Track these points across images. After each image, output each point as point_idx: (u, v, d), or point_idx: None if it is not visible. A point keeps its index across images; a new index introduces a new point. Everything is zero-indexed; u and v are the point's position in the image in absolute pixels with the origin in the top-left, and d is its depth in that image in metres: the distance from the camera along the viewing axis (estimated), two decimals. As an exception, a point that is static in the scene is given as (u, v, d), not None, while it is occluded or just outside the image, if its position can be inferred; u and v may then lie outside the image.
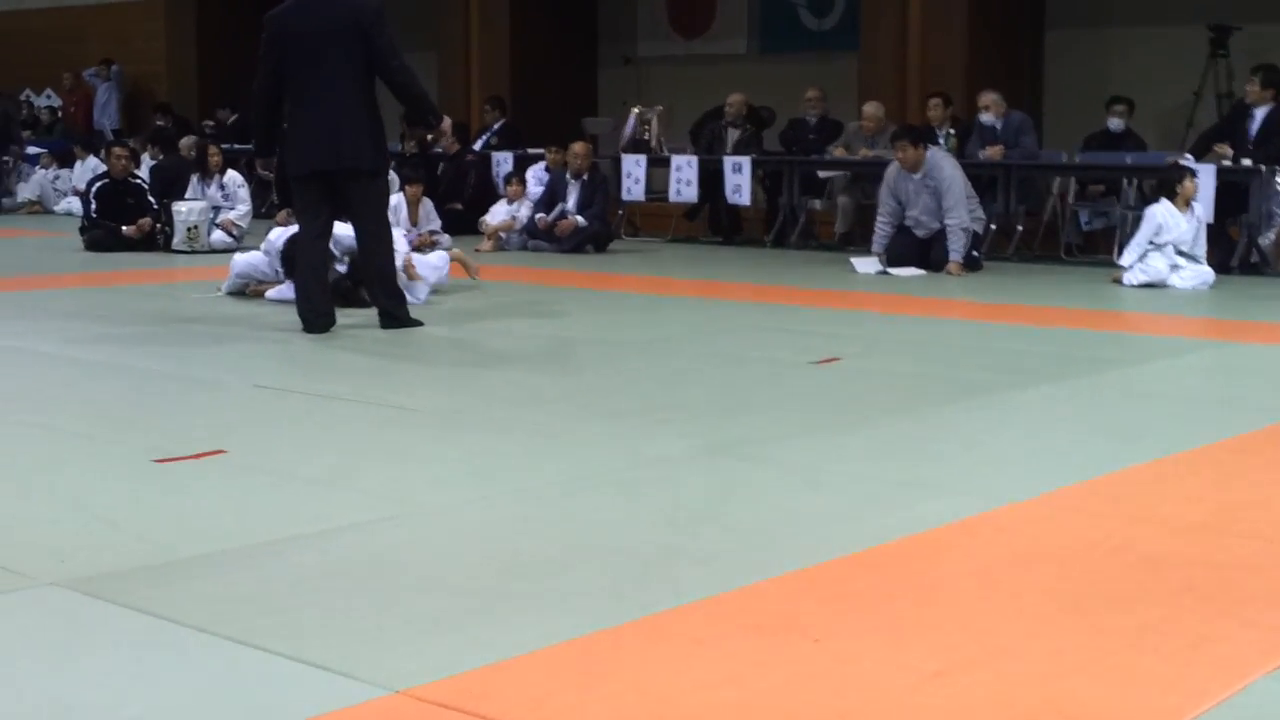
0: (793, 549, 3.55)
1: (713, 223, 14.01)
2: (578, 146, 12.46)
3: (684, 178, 13.06)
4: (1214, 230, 10.18)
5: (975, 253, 10.77)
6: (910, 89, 13.63)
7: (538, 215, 12.37)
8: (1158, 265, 9.65)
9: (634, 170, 13.34)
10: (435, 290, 8.71)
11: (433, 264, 8.85)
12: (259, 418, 5.30)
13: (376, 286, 7.55)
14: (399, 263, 8.26)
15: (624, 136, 13.86)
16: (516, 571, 3.36)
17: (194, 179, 12.58)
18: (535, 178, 13.29)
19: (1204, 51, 12.54)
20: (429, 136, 13.39)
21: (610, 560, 3.45)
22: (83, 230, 12.26)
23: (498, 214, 12.74)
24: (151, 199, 12.32)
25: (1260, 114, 10.73)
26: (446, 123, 8.14)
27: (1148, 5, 13.68)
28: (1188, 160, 10.36)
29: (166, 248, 11.92)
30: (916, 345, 7.23)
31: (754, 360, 6.66)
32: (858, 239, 12.39)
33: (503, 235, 12.46)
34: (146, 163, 14.26)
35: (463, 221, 12.82)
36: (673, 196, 13.33)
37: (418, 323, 7.50)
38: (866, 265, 10.72)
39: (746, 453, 4.64)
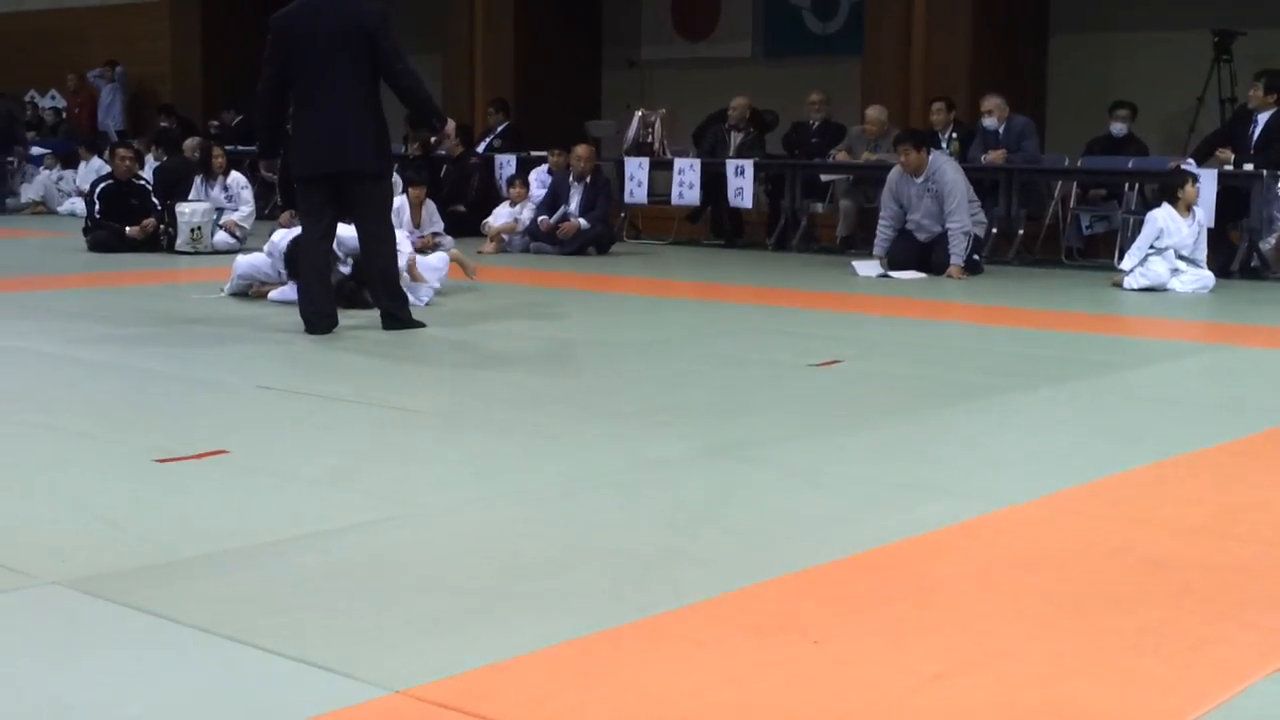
0: (793, 551, 3.55)
1: (715, 225, 14.02)
2: (580, 149, 12.47)
3: (686, 180, 13.07)
4: (1215, 235, 10.18)
5: (976, 256, 10.78)
6: (913, 93, 13.65)
7: (540, 218, 12.38)
8: (1158, 269, 9.66)
9: (636, 173, 13.35)
10: (438, 292, 8.72)
11: (432, 265, 8.86)
12: (261, 418, 5.30)
13: (379, 288, 7.56)
14: (403, 263, 8.27)
15: (627, 139, 13.87)
16: (517, 572, 3.37)
17: (197, 180, 12.59)
18: (538, 180, 13.30)
19: (1207, 56, 12.55)
20: (432, 139, 13.39)
21: (610, 561, 3.45)
22: (86, 231, 12.27)
23: (500, 216, 12.75)
24: (155, 200, 12.33)
25: (1262, 119, 10.73)
26: (450, 125, 8.15)
27: (1151, 10, 13.69)
28: (1189, 165, 10.37)
29: (169, 249, 11.94)
30: (917, 348, 7.23)
31: (754, 362, 6.67)
32: (859, 242, 12.40)
33: (505, 237, 12.47)
34: (150, 164, 14.28)
35: (465, 224, 12.83)
36: (675, 199, 13.34)
37: (420, 324, 7.51)
38: (868, 268, 10.73)
39: (747, 454, 4.65)
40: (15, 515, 3.84)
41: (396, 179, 9.71)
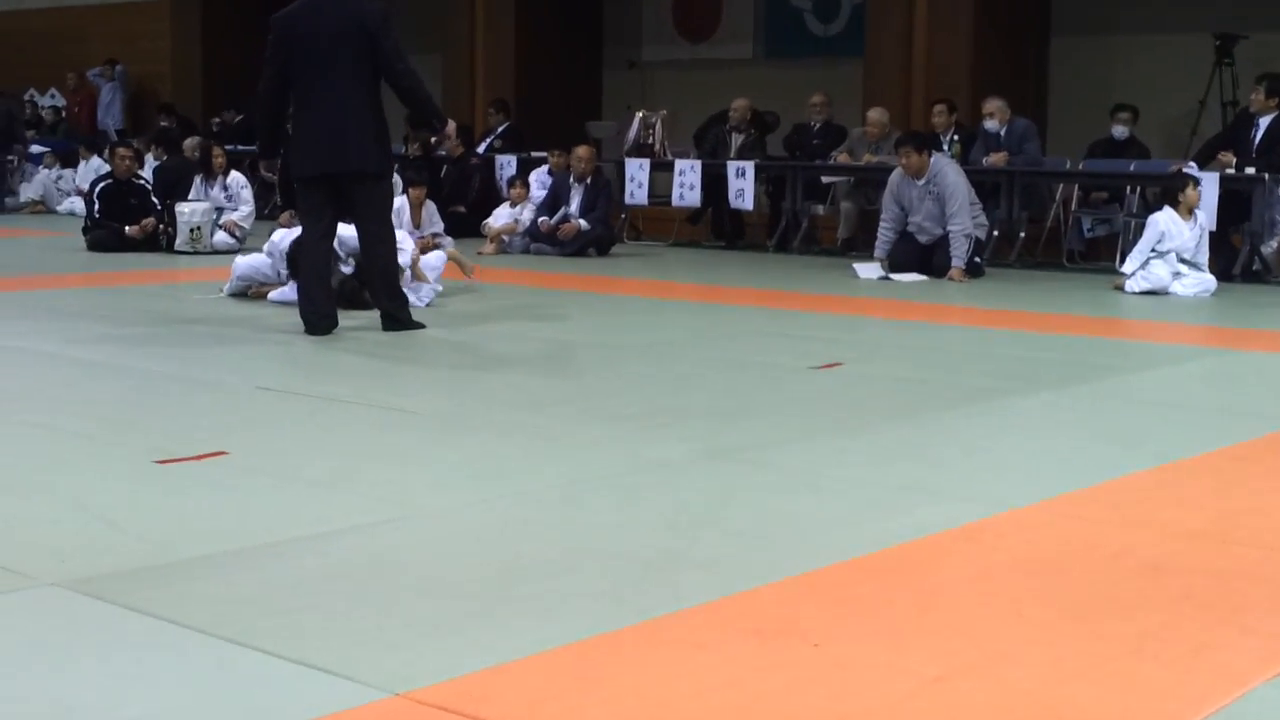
0: (793, 553, 3.55)
1: (715, 227, 14.02)
2: (581, 150, 12.47)
3: (687, 182, 13.07)
4: (1216, 238, 10.19)
5: (977, 259, 10.77)
6: (914, 95, 13.65)
7: (540, 218, 12.37)
8: (1160, 273, 9.66)
9: (637, 174, 13.35)
10: (438, 294, 8.72)
11: (430, 264, 8.86)
12: (260, 419, 5.30)
13: (379, 289, 7.55)
14: (406, 261, 8.28)
15: (627, 140, 13.87)
16: (517, 574, 3.36)
17: (197, 180, 12.59)
18: (538, 181, 13.30)
19: (1209, 60, 12.55)
20: (433, 139, 13.39)
21: (610, 564, 3.45)
22: (85, 230, 12.27)
23: (500, 217, 12.75)
24: (155, 200, 12.33)
25: (1264, 123, 10.73)
26: (451, 126, 8.15)
27: (1153, 13, 13.69)
28: (1191, 168, 10.37)
29: (169, 248, 11.94)
30: (918, 351, 7.23)
31: (755, 365, 6.67)
32: (860, 244, 12.39)
33: (505, 238, 12.46)
34: (150, 163, 14.28)
35: (466, 224, 12.83)
36: (675, 201, 13.33)
37: (419, 325, 7.50)
38: (869, 271, 10.72)
39: (747, 457, 4.65)
40: (15, 516, 3.84)
41: (397, 179, 9.71)
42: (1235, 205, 10.46)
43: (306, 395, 5.73)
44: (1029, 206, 12.07)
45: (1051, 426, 5.39)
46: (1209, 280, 9.71)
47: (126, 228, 11.98)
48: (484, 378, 6.39)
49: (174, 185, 12.66)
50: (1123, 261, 10.27)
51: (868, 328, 8.30)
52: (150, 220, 12.09)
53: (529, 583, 3.29)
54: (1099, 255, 12.04)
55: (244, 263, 8.93)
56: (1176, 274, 9.67)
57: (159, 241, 12.04)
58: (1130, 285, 9.72)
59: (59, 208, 16.79)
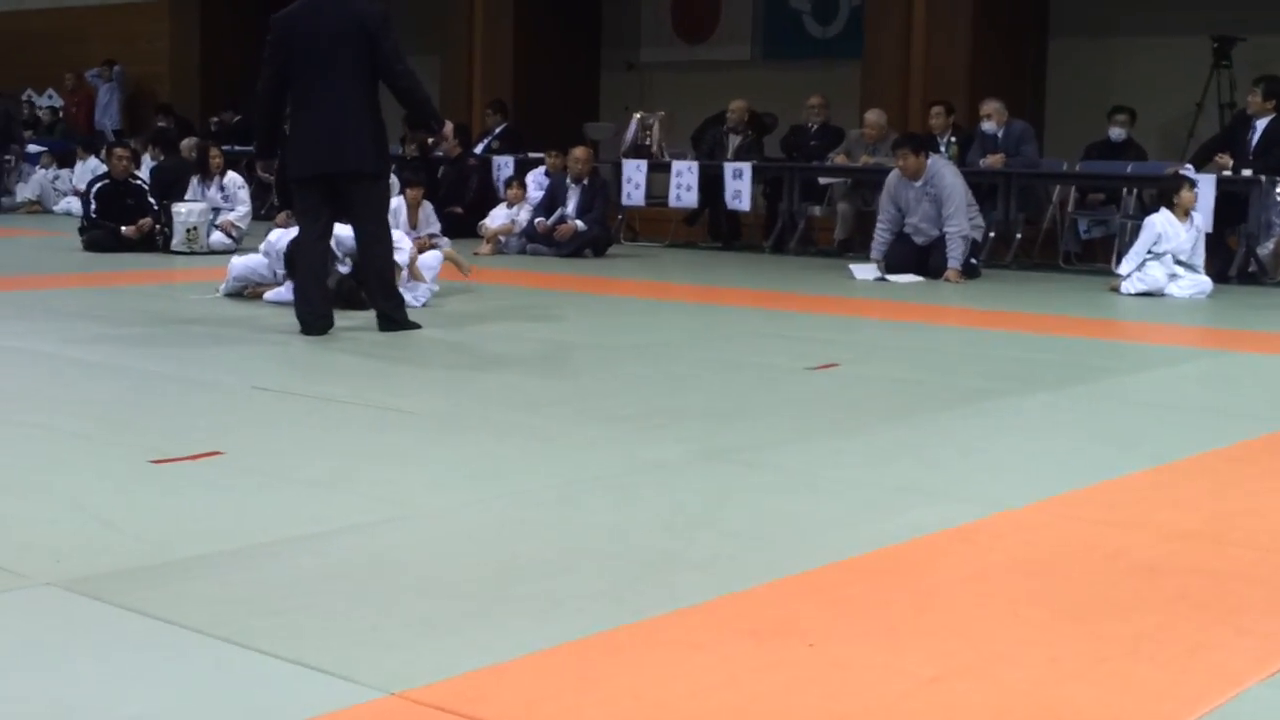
0: (789, 554, 3.55)
1: (712, 228, 14.02)
2: (578, 151, 12.48)
3: (684, 183, 13.08)
4: (1213, 240, 10.20)
5: (974, 260, 10.79)
6: (912, 97, 13.66)
7: (537, 219, 12.38)
8: (1156, 274, 9.67)
9: (634, 175, 13.35)
10: (434, 294, 8.72)
11: (426, 263, 8.86)
12: (257, 419, 5.30)
13: (375, 289, 7.56)
14: (404, 260, 8.28)
15: (625, 141, 13.88)
16: (513, 574, 3.36)
17: (194, 180, 12.59)
18: (535, 182, 13.30)
19: (1207, 62, 12.56)
20: (430, 140, 13.39)
21: (607, 564, 3.45)
22: (82, 230, 12.27)
23: (497, 218, 12.75)
24: (152, 200, 12.33)
25: (1261, 125, 10.75)
26: (448, 127, 8.15)
27: (1151, 15, 13.70)
28: (1188, 170, 10.37)
29: (165, 249, 11.93)
30: (914, 352, 7.24)
31: (751, 366, 6.67)
32: (857, 246, 12.41)
33: (502, 239, 12.47)
34: (147, 163, 14.28)
35: (463, 225, 12.83)
36: (672, 202, 13.34)
37: (416, 325, 7.51)
38: (865, 272, 10.73)
39: (743, 458, 4.65)
40: (11, 516, 3.83)
41: (394, 180, 9.72)
42: (1232, 207, 10.47)
43: (303, 395, 5.73)
44: (1026, 208, 12.08)
45: (1048, 427, 5.40)
46: (1205, 282, 9.72)
47: (123, 228, 11.98)
48: (480, 378, 6.39)
49: (171, 185, 12.67)
50: (1119, 263, 10.28)
51: (864, 329, 8.30)
52: (147, 220, 12.09)
53: (526, 583, 3.30)
54: (1095, 257, 12.06)
55: (240, 263, 8.93)
56: (1173, 275, 9.68)
57: (155, 242, 12.04)
58: (1126, 287, 9.73)
59: (55, 208, 16.79)
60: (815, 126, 13.57)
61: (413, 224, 10.41)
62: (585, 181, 12.38)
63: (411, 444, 4.86)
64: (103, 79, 20.57)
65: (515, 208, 12.75)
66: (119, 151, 12.70)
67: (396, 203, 9.93)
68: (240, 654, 2.80)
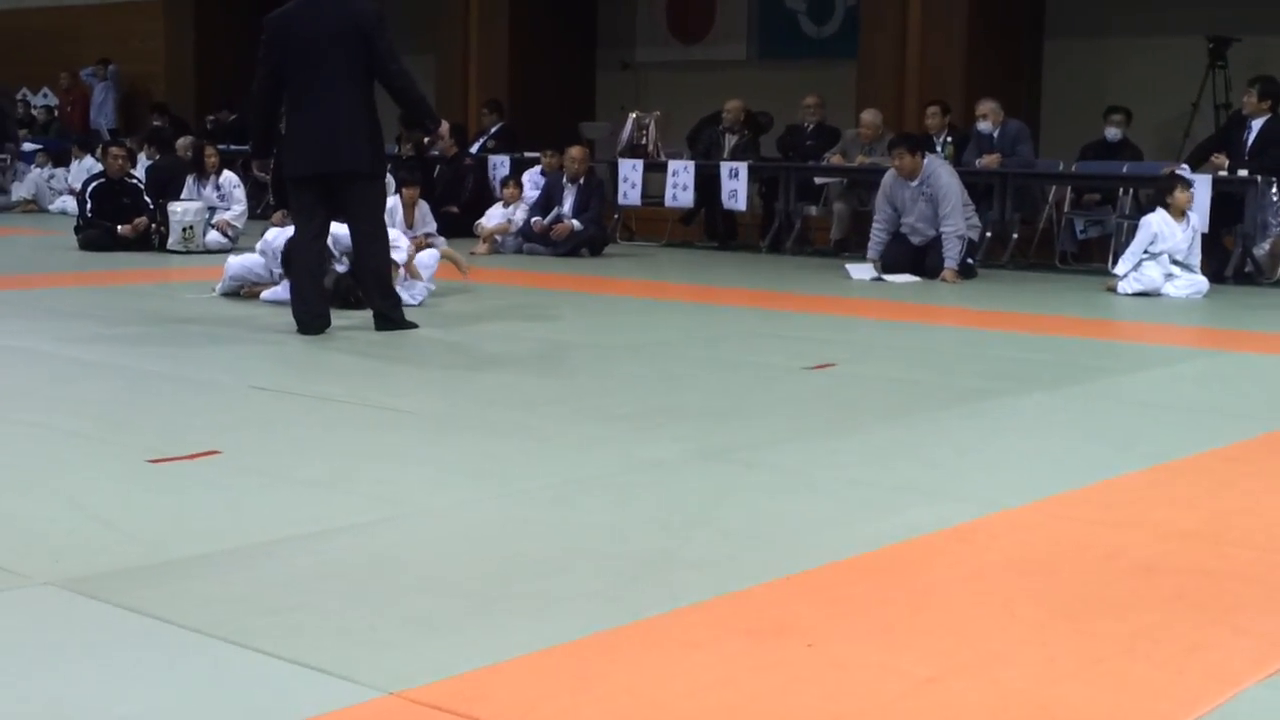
0: (786, 553, 3.56)
1: (708, 228, 14.02)
2: (575, 150, 12.48)
3: (680, 183, 13.08)
4: (1209, 240, 10.21)
5: (970, 260, 10.79)
6: (908, 97, 13.66)
7: (533, 219, 12.38)
8: (1152, 274, 9.68)
9: (630, 175, 13.35)
10: (431, 293, 8.71)
11: (423, 262, 8.86)
12: (254, 418, 5.30)
13: (371, 288, 7.56)
14: (402, 258, 8.28)
15: (621, 141, 13.87)
16: (511, 574, 3.37)
17: (190, 179, 12.58)
18: (531, 181, 13.30)
19: (1203, 62, 12.57)
20: (426, 139, 13.39)
21: (604, 563, 3.45)
22: (78, 230, 12.26)
23: (493, 217, 12.75)
24: (147, 199, 12.32)
25: (1257, 125, 10.75)
26: (444, 127, 8.15)
27: (1147, 15, 13.71)
28: (1183, 170, 10.38)
29: (161, 248, 11.93)
30: (910, 351, 7.24)
31: (748, 365, 6.67)
32: (853, 245, 12.41)
33: (498, 238, 12.47)
34: (143, 163, 14.27)
35: (459, 224, 12.82)
36: (668, 201, 13.34)
37: (412, 325, 7.51)
38: (861, 271, 10.73)
39: (740, 457, 4.65)
40: (9, 515, 3.84)
41: (390, 179, 9.71)
42: (1228, 207, 10.48)
43: (300, 395, 5.73)
44: (1022, 208, 12.09)
45: (1044, 427, 5.40)
46: (1201, 282, 9.73)
47: (119, 227, 11.97)
48: (477, 377, 6.39)
49: (167, 185, 12.65)
50: (1115, 263, 10.29)
51: (860, 328, 8.31)
52: (143, 219, 12.08)
53: (524, 582, 3.30)
54: (1091, 257, 12.06)
55: (237, 262, 8.93)
56: (1169, 275, 9.69)
57: (151, 241, 12.03)
58: (1123, 287, 9.74)
59: (51, 207, 16.77)
60: (811, 126, 13.58)
61: (409, 223, 10.41)
62: (581, 181, 12.38)
63: (409, 443, 4.86)
64: (98, 78, 20.55)
65: (511, 207, 12.75)
66: (114, 151, 12.69)
67: (392, 202, 9.93)
68: (238, 653, 2.80)
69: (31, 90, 21.71)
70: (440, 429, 5.15)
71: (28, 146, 18.39)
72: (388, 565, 3.42)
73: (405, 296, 8.17)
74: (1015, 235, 12.01)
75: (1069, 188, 12.16)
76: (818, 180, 13.15)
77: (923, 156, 10.73)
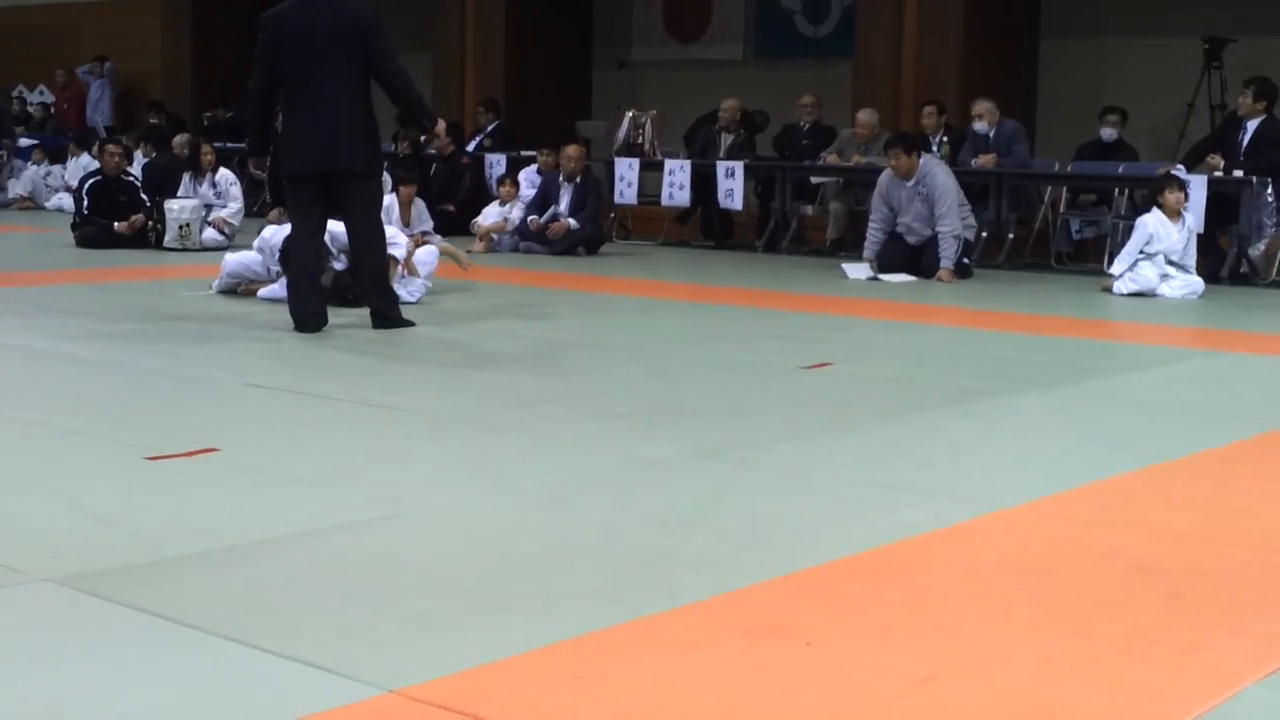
0: (783, 553, 3.56)
1: (705, 227, 14.02)
2: (571, 149, 12.47)
3: (676, 182, 13.08)
4: (1204, 240, 10.22)
5: (966, 260, 10.80)
6: (904, 96, 13.66)
7: (530, 217, 12.37)
8: (1148, 274, 9.69)
9: (627, 174, 13.35)
10: (428, 290, 8.72)
11: (422, 259, 8.86)
12: (251, 416, 5.30)
13: (368, 286, 7.56)
14: (401, 254, 8.29)
15: (617, 140, 13.87)
16: (509, 572, 3.37)
17: (186, 177, 12.57)
18: (528, 180, 13.29)
19: (1198, 63, 12.58)
20: (422, 138, 13.39)
21: (602, 562, 3.46)
22: (74, 227, 12.25)
23: (490, 216, 12.75)
24: (144, 196, 12.31)
25: (1252, 126, 10.76)
26: (441, 125, 8.15)
27: (1142, 16, 13.72)
28: (1179, 171, 10.39)
29: (158, 245, 11.92)
30: (907, 351, 7.25)
31: (744, 364, 6.68)
32: (849, 245, 12.41)
33: (494, 237, 12.47)
34: (139, 160, 14.25)
35: (455, 223, 12.82)
36: (665, 200, 13.34)
37: (409, 323, 7.51)
38: (857, 271, 10.74)
39: (737, 456, 4.66)
40: (8, 512, 3.84)
41: (386, 177, 9.71)
42: (1223, 208, 10.49)
43: (297, 392, 5.74)
44: (1017, 208, 12.09)
45: (1040, 427, 5.41)
46: (1197, 282, 9.74)
47: (115, 224, 11.96)
48: (474, 376, 6.40)
49: (163, 182, 12.64)
50: (1111, 263, 10.30)
51: (856, 328, 8.31)
52: (139, 217, 12.07)
53: (522, 580, 3.30)
54: (1087, 257, 12.07)
55: (234, 260, 8.92)
56: (1164, 276, 9.70)
57: (148, 238, 12.02)
58: (1118, 287, 9.75)
59: (47, 204, 16.76)
60: (807, 126, 13.58)
61: (405, 221, 10.41)
62: (578, 180, 12.38)
63: (406, 442, 4.87)
64: (94, 75, 20.53)
65: (508, 206, 12.75)
66: (111, 148, 12.68)
67: (389, 200, 9.94)
68: (238, 651, 2.81)
69: (28, 87, 21.69)
70: (438, 427, 5.16)
71: (24, 142, 18.36)
72: (386, 563, 3.43)
73: (403, 294, 8.18)
74: (1011, 235, 12.01)
75: (1065, 188, 12.17)
76: (814, 180, 13.15)
77: (919, 156, 10.74)
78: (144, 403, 5.56)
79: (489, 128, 15.40)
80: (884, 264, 10.71)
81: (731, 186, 12.80)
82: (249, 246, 9.01)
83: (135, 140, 15.36)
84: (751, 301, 9.48)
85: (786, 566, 3.44)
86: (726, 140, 13.61)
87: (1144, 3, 13.77)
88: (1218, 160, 10.66)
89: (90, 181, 12.33)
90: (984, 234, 11.54)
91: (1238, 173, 10.50)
